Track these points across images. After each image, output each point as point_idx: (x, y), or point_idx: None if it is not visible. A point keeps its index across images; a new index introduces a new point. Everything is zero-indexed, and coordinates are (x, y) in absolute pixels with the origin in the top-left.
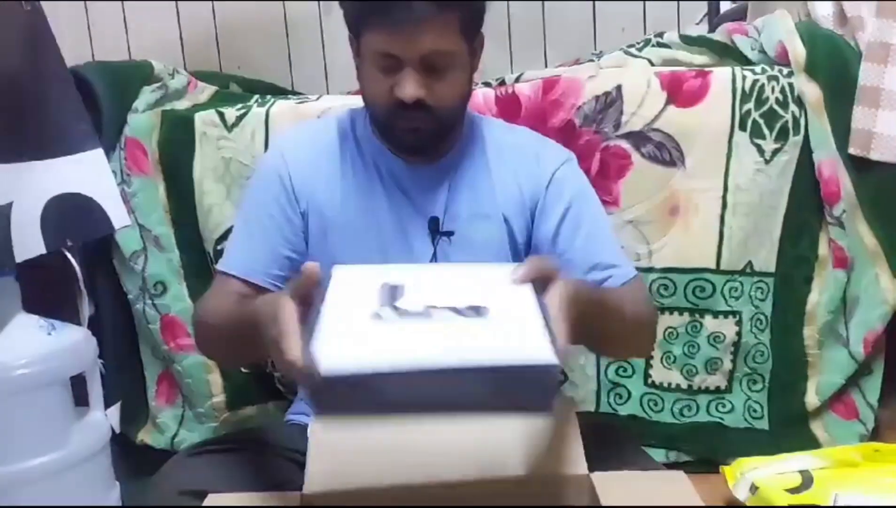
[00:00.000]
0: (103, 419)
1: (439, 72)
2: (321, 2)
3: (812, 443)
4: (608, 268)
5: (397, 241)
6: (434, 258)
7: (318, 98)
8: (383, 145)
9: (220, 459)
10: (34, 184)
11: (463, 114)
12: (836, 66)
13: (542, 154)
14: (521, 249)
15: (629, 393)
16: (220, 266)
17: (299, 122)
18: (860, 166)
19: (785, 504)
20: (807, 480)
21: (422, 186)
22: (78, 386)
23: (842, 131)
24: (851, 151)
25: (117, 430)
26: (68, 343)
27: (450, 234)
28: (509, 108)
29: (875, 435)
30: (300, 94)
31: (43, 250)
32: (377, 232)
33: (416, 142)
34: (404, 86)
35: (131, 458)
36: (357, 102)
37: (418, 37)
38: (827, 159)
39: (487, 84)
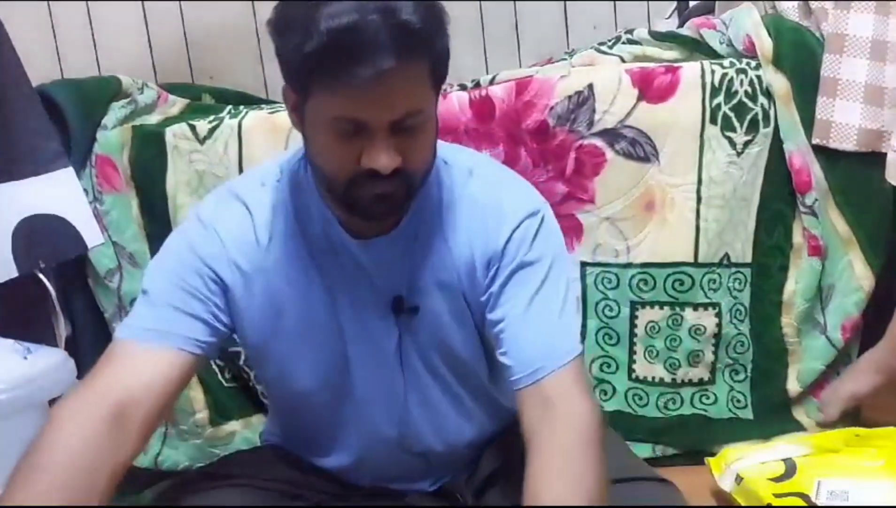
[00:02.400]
0: None
1: (411, 133)
2: None
3: (796, 428)
4: (539, 360)
5: (357, 327)
6: (400, 340)
7: None
8: (333, 217)
9: (196, 500)
10: (3, 206)
11: (431, 171)
12: (802, 57)
13: (502, 207)
14: (477, 318)
15: (614, 389)
16: (122, 335)
17: (275, 143)
18: (829, 155)
19: (769, 492)
20: (790, 468)
21: (380, 260)
22: None
23: (810, 122)
24: (813, 140)
25: None
26: (46, 366)
27: (415, 310)
28: (483, 111)
29: (855, 419)
30: (274, 102)
31: (15, 274)
32: (335, 320)
33: (387, 210)
34: (377, 157)
35: None
36: None
37: (389, 97)
38: (797, 150)
39: (462, 87)
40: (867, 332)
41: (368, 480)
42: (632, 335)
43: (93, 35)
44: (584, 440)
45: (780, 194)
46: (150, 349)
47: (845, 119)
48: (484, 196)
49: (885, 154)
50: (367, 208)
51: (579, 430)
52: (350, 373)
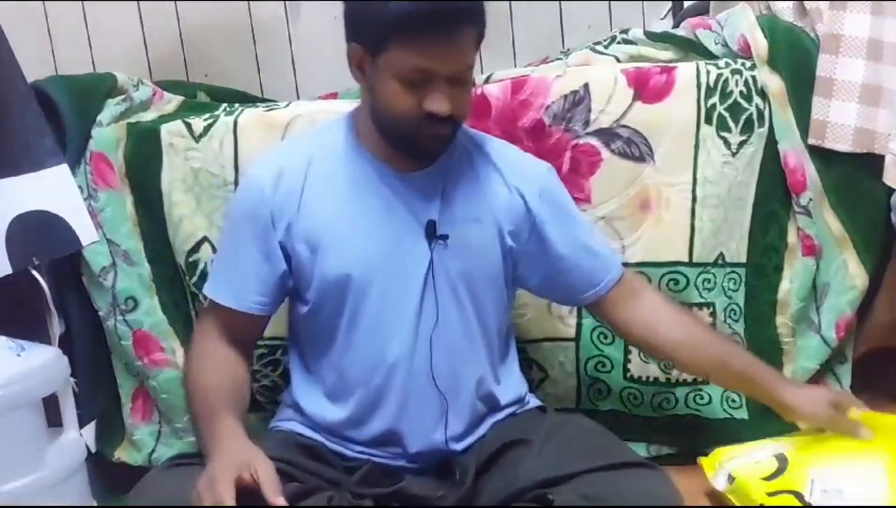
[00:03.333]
0: (78, 438)
1: (461, 85)
2: (287, 2)
3: (791, 430)
4: (613, 267)
5: (392, 250)
6: (431, 264)
7: (287, 105)
8: (374, 156)
9: (200, 471)
10: None
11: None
12: (797, 57)
13: (526, 164)
14: (509, 252)
15: (609, 388)
16: (208, 292)
17: (270, 140)
18: (824, 155)
19: (762, 491)
20: (781, 464)
21: (416, 192)
22: (51, 407)
23: (805, 122)
24: (810, 141)
25: (93, 449)
26: (39, 364)
27: (445, 237)
28: (479, 109)
29: None
30: (270, 100)
31: (9, 271)
32: (370, 240)
33: (438, 149)
34: (439, 102)
35: (108, 477)
36: (327, 107)
37: (455, 54)
38: (792, 150)
39: None
40: (859, 333)
41: (382, 426)
42: None
43: (87, 33)
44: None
45: (774, 194)
46: (228, 306)
47: (841, 119)
48: (507, 150)
49: (880, 154)
50: (424, 145)
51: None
52: (375, 291)
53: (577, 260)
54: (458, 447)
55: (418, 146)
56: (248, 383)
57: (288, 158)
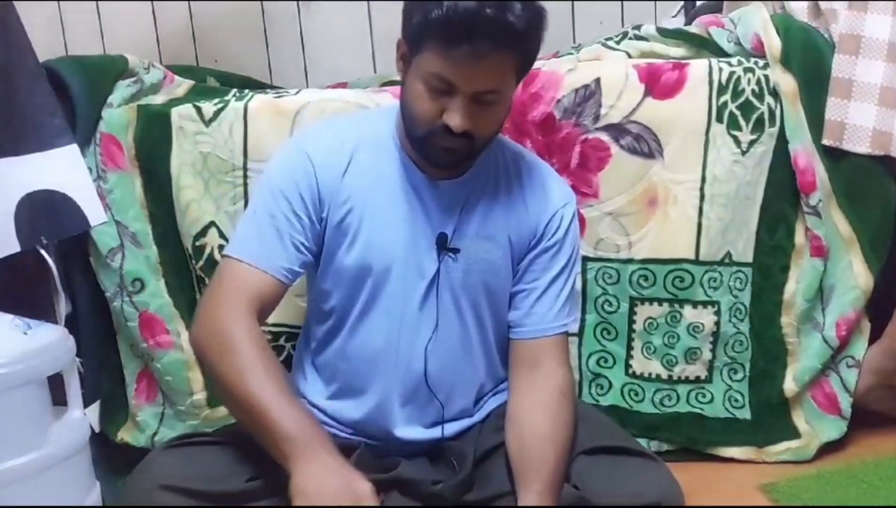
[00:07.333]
0: (82, 418)
1: (486, 105)
2: None
3: (793, 433)
4: (539, 324)
5: (406, 251)
6: (437, 274)
7: (297, 92)
8: (408, 156)
9: (199, 452)
10: (7, 181)
11: (491, 142)
12: (810, 57)
13: (550, 188)
14: (516, 270)
15: (610, 384)
16: (234, 253)
17: (280, 127)
18: (834, 156)
19: None
20: None
21: (439, 201)
22: (56, 385)
23: (816, 122)
24: (825, 141)
25: (97, 429)
26: (45, 342)
27: (455, 251)
28: None
29: (851, 422)
30: (279, 87)
31: (17, 249)
32: (391, 241)
33: (449, 161)
34: (455, 116)
35: (111, 457)
36: (336, 95)
37: (479, 73)
38: (802, 150)
39: None
40: (875, 337)
41: (374, 416)
42: (630, 330)
43: (98, 14)
44: (561, 394)
45: (783, 195)
46: (256, 269)
47: (860, 121)
48: (538, 175)
49: (889, 155)
50: (434, 154)
51: (559, 387)
52: (387, 285)
53: (529, 295)
54: (448, 435)
55: (428, 153)
56: None
57: (338, 137)
